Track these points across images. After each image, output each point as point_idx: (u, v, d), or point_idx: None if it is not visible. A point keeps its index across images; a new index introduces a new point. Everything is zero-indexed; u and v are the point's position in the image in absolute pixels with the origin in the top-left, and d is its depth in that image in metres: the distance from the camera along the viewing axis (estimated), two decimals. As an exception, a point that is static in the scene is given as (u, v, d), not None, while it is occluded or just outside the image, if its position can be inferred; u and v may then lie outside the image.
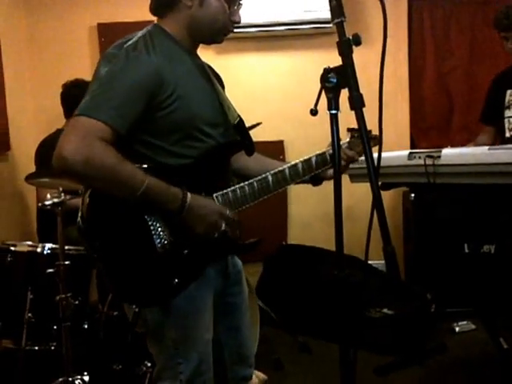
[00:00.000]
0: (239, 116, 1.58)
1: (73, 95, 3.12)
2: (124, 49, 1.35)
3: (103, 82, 1.32)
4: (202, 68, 1.56)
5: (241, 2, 1.52)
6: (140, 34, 1.42)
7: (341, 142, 1.54)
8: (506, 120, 2.76)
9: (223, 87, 1.68)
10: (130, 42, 1.38)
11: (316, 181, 1.69)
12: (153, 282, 1.39)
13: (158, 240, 1.38)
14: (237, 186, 1.50)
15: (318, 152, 1.63)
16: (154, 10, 1.52)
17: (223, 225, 1.42)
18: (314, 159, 1.61)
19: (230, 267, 1.61)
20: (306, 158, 1.63)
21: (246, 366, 1.71)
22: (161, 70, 1.35)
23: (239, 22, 1.52)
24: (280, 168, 1.57)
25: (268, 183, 1.53)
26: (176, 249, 1.40)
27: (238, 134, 1.56)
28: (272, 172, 1.55)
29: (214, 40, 1.53)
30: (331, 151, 1.58)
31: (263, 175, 1.54)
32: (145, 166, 1.38)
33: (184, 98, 1.39)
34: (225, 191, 1.48)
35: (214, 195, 1.47)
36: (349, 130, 1.67)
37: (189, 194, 1.37)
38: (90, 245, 1.40)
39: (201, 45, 1.58)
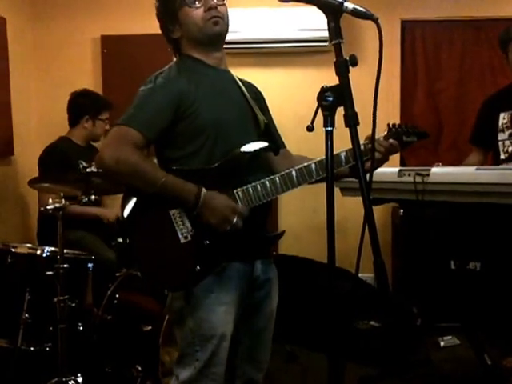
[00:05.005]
0: (265, 121, 1.74)
1: (79, 104, 3.18)
2: (155, 75, 1.66)
3: (138, 100, 1.61)
4: (230, 79, 1.75)
5: None
6: (169, 64, 1.71)
7: (377, 136, 1.63)
8: (500, 143, 2.80)
9: (261, 100, 1.84)
10: (160, 71, 1.68)
11: (357, 174, 1.70)
12: (179, 269, 1.58)
13: (181, 232, 1.56)
14: (258, 181, 1.61)
15: (348, 148, 1.63)
16: (175, 54, 1.78)
17: (235, 219, 1.53)
18: (343, 155, 1.66)
19: (257, 272, 1.70)
20: (335, 153, 1.66)
21: (255, 370, 1.78)
22: (182, 85, 1.61)
23: (213, 5, 1.63)
24: (306, 163, 1.64)
25: (292, 177, 1.62)
26: (197, 239, 1.56)
27: (266, 136, 1.72)
28: (297, 167, 1.64)
29: (209, 35, 1.65)
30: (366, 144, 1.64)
31: (287, 170, 1.63)
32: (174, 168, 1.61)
33: (205, 102, 1.61)
34: (245, 187, 1.60)
35: (235, 191, 1.59)
36: (388, 124, 1.73)
37: (203, 191, 1.53)
38: (127, 238, 1.61)
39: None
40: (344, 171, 1.69)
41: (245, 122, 1.70)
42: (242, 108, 1.71)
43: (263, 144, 1.66)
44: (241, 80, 1.79)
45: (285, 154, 1.83)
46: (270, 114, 1.86)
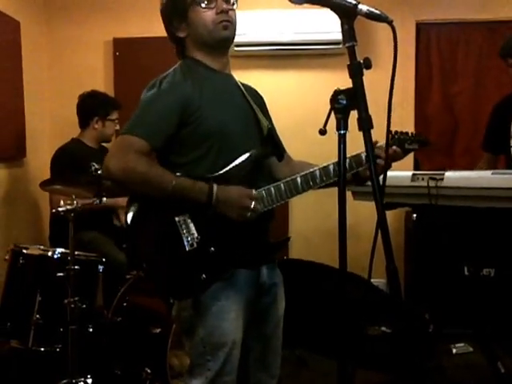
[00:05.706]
0: (268, 126, 1.72)
1: (87, 105, 3.19)
2: (159, 79, 1.63)
3: (142, 106, 1.59)
4: (233, 83, 1.74)
5: None
6: (173, 67, 1.68)
7: (378, 144, 1.64)
8: None
9: (263, 104, 1.83)
10: (164, 75, 1.64)
11: (359, 181, 1.72)
12: (184, 277, 1.56)
13: (186, 240, 1.54)
14: (263, 188, 1.60)
15: (352, 154, 1.65)
16: (178, 57, 1.74)
17: (252, 204, 1.53)
18: (347, 162, 1.64)
19: (263, 277, 1.69)
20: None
21: (269, 376, 1.77)
22: (187, 90, 1.59)
23: (225, 9, 1.62)
24: (310, 169, 1.64)
25: (296, 184, 1.62)
26: (203, 246, 1.55)
27: (269, 142, 1.72)
28: (302, 173, 1.63)
29: (217, 39, 1.63)
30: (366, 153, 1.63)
31: (292, 176, 1.63)
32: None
33: (209, 107, 1.59)
34: None
35: None
36: (391, 131, 1.73)
37: (215, 186, 1.52)
38: (132, 245, 1.61)
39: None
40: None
41: (248, 127, 1.68)
42: (246, 113, 1.70)
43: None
44: (242, 84, 1.78)
45: (286, 160, 1.82)
46: (270, 118, 1.84)
